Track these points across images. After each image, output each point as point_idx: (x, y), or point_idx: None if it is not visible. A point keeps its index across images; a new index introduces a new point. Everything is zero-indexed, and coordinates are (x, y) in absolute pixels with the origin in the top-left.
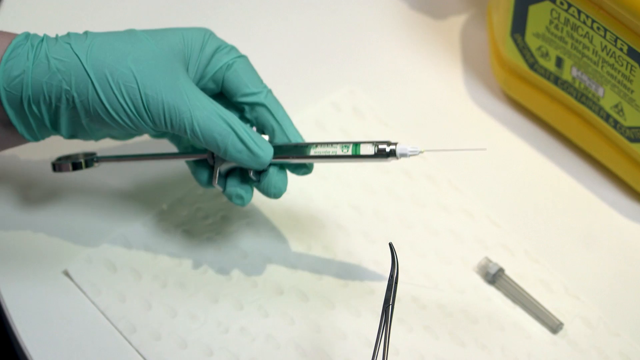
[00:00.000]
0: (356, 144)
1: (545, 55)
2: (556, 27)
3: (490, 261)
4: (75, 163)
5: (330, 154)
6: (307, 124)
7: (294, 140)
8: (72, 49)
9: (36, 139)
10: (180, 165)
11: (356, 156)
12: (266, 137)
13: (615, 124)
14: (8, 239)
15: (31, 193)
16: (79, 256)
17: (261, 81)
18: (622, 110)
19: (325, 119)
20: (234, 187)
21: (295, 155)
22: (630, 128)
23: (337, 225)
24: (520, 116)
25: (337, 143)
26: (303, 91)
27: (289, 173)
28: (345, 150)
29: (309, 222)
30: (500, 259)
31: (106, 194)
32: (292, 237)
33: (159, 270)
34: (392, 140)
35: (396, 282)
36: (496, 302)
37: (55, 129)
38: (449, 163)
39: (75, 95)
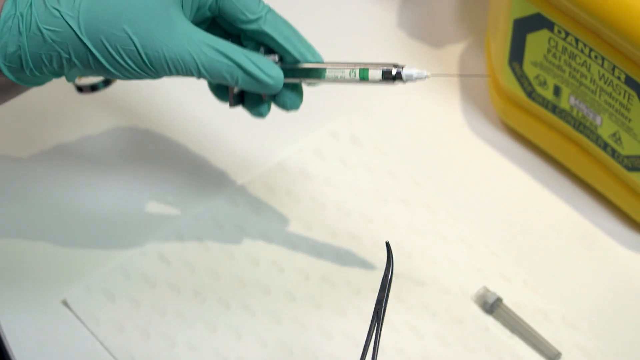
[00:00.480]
0: (364, 69)
1: (543, 83)
2: (554, 55)
3: (488, 290)
4: (93, 85)
5: (339, 78)
6: (306, 152)
7: (302, 58)
8: (62, 16)
9: (42, 84)
10: (180, 195)
11: (364, 80)
12: (276, 57)
13: (613, 153)
14: (5, 267)
15: (28, 220)
16: (77, 285)
17: (258, 2)
18: (619, 138)
19: (324, 148)
20: (252, 105)
21: (305, 78)
22: (628, 157)
23: (335, 254)
24: (519, 145)
25: (346, 66)
26: (302, 120)
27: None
28: (352, 75)
29: (307, 251)
30: (498, 288)
31: (103, 221)
32: (290, 266)
33: (157, 300)
34: (400, 64)
35: (390, 282)
36: (494, 332)
37: (61, 76)
38: (447, 192)
39: (76, 61)
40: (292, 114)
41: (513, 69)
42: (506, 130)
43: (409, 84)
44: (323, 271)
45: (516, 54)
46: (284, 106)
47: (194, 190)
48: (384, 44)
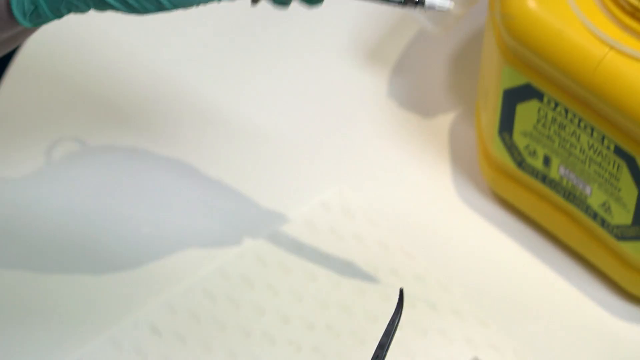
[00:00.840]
0: None
1: (533, 153)
2: (543, 125)
3: None
4: None
5: None
6: (297, 224)
7: None
8: None
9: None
10: (169, 266)
11: (386, 1)
12: None
13: (603, 222)
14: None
15: (19, 293)
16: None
17: None
18: (609, 208)
19: (315, 219)
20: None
21: None
22: (617, 226)
23: (327, 326)
24: (509, 214)
25: None
26: (293, 190)
27: None
28: None
29: (299, 324)
30: (489, 359)
31: (95, 289)
32: (282, 339)
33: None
34: None
35: (395, 329)
36: None
37: None
38: (437, 262)
39: (97, 9)
40: (283, 184)
41: (503, 139)
42: (496, 200)
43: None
44: (314, 344)
45: (506, 124)
46: (308, 2)
47: (180, 265)
48: (374, 112)
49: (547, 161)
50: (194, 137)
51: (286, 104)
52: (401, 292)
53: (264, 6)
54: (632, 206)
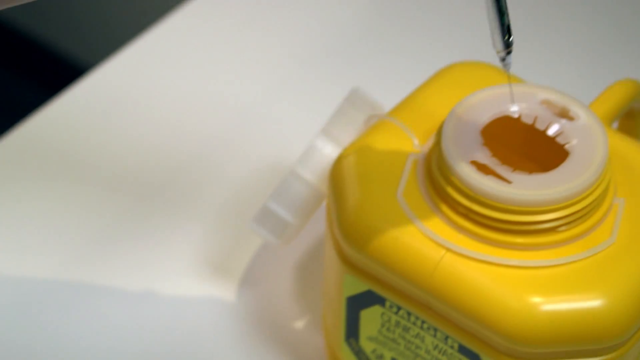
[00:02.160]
0: None
1: (380, 357)
2: (388, 329)
3: None
4: None
5: None
6: None
7: None
8: None
9: None
10: None
11: None
12: None
13: None
14: None
15: None
16: None
17: None
18: None
19: None
20: None
21: None
22: None
23: None
24: None
25: None
26: None
27: None
28: None
29: None
30: None
31: None
32: None
33: None
34: None
35: None
36: None
37: None
38: None
39: None
40: None
41: (350, 345)
42: None
43: None
44: None
45: (352, 330)
46: None
47: None
48: (222, 326)
49: None
50: None
51: (130, 332)
52: None
53: None
54: None
